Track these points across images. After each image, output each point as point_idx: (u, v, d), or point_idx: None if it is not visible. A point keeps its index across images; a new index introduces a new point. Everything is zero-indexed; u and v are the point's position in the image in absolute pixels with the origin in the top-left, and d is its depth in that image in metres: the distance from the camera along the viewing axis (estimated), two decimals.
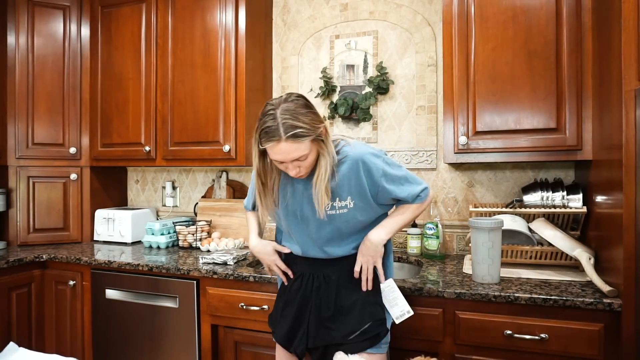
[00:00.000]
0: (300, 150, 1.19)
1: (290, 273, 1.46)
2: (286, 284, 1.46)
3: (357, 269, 1.37)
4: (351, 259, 1.39)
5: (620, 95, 1.36)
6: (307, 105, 1.23)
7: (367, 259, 1.35)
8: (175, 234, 2.51)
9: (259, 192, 1.36)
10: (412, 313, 1.38)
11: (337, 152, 1.30)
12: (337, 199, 1.31)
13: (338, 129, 2.44)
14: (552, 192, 1.85)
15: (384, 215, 1.44)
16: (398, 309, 1.38)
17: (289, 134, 1.16)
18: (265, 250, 1.48)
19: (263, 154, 1.30)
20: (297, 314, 1.39)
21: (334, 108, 2.39)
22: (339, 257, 1.39)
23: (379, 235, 1.35)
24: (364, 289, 1.37)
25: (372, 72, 2.37)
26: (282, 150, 1.18)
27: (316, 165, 1.27)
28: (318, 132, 1.21)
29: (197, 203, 2.70)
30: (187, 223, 2.56)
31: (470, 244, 1.90)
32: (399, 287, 1.58)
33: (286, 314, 1.42)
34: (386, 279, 1.43)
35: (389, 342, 1.44)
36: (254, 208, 1.58)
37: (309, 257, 1.42)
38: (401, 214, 1.38)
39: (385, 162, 1.32)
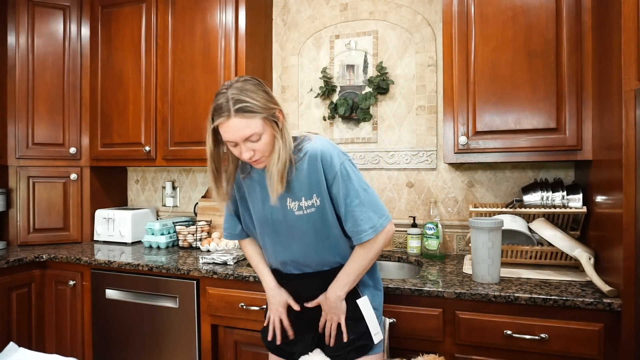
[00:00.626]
0: (250, 127, 1.15)
1: (290, 333, 1.40)
2: (278, 343, 1.40)
3: (321, 323, 1.37)
4: (331, 274, 1.34)
5: (620, 95, 1.36)
6: (260, 85, 1.21)
7: (331, 317, 1.33)
8: (175, 234, 2.51)
9: (212, 174, 1.29)
10: (382, 338, 1.36)
11: (300, 150, 1.26)
12: (303, 198, 1.25)
13: (338, 129, 2.44)
14: (552, 192, 1.85)
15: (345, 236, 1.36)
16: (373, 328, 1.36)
17: (237, 107, 1.14)
18: (279, 299, 1.41)
19: (216, 138, 1.25)
20: (295, 330, 1.41)
21: (334, 108, 2.39)
22: (318, 272, 1.36)
23: (334, 292, 1.31)
24: (327, 343, 1.35)
25: (372, 72, 2.37)
26: (232, 127, 1.15)
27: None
28: (271, 112, 1.19)
29: (197, 203, 2.70)
30: (187, 223, 2.56)
31: (470, 244, 1.90)
32: (399, 288, 1.58)
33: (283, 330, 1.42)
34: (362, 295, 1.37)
35: (385, 340, 1.44)
36: (239, 234, 1.50)
37: (290, 273, 1.39)
38: (352, 263, 1.30)
39: (344, 166, 1.24)
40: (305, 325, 1.41)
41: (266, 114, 1.17)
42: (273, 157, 1.20)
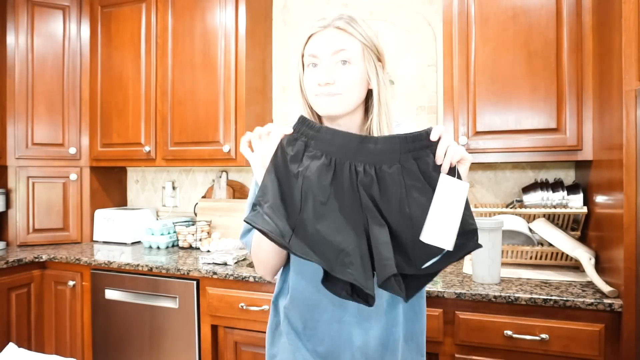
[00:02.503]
0: (345, 43, 0.94)
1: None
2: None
3: (440, 151, 0.84)
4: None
5: (620, 95, 1.36)
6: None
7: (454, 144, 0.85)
8: (175, 234, 2.51)
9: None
10: (450, 248, 0.80)
11: None
12: None
13: None
14: (553, 192, 1.85)
15: None
16: (444, 229, 0.80)
17: (339, 22, 0.95)
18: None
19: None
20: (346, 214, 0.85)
21: None
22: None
23: None
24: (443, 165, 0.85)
25: None
26: (325, 36, 0.95)
27: (368, 102, 1.00)
28: (374, 48, 0.97)
29: (197, 203, 2.70)
30: (187, 223, 2.55)
31: None
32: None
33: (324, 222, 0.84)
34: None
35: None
36: None
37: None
38: None
39: None
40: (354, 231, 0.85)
41: (368, 44, 0.96)
42: (376, 106, 0.98)
